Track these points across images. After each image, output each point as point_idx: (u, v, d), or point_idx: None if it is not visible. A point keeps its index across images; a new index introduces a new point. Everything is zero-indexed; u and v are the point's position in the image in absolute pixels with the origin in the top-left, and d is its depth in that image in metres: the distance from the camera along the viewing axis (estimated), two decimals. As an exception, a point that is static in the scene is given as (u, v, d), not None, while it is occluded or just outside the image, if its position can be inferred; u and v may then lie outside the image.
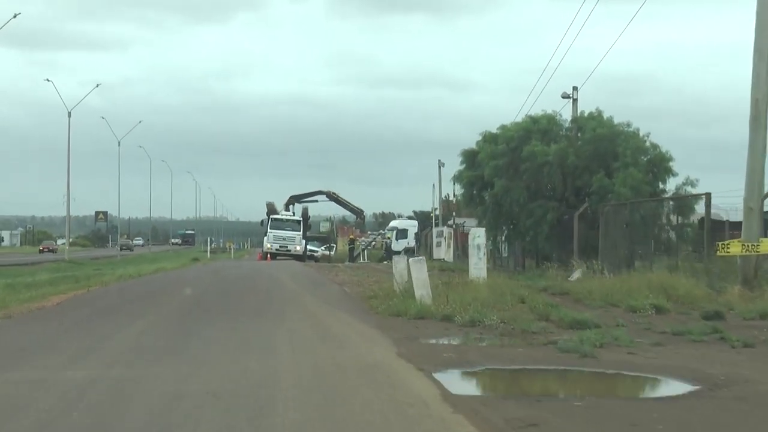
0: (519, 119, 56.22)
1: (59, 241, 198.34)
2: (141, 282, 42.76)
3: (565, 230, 51.56)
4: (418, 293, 25.26)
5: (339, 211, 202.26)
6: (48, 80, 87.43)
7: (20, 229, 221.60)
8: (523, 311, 24.55)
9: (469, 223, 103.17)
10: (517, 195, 51.98)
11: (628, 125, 52.41)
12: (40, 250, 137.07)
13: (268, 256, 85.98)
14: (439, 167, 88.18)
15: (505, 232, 55.04)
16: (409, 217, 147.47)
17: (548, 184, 52.20)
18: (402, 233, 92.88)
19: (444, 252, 79.37)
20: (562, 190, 52.18)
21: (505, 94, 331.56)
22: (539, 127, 53.13)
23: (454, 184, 57.36)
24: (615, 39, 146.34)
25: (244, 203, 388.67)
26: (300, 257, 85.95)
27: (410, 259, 26.18)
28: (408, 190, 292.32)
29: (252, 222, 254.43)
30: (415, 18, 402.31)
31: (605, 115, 53.36)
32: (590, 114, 53.46)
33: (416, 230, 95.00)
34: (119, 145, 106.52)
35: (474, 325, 21.84)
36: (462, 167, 56.02)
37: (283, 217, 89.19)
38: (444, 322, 22.74)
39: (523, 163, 51.89)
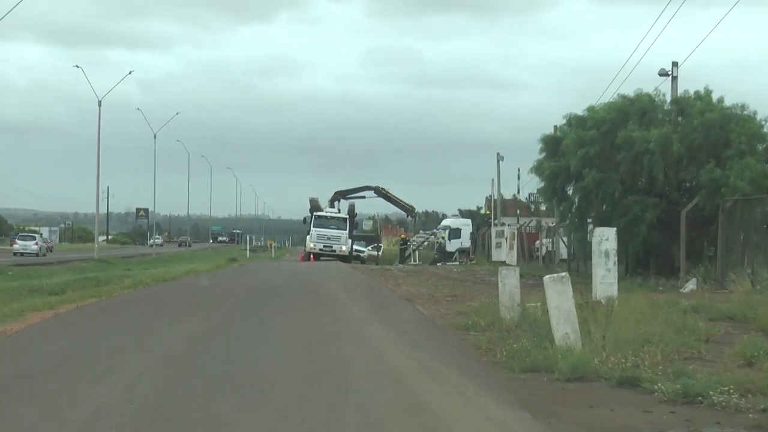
0: (601, 101, 46.32)
1: (100, 238, 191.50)
2: (154, 293, 33.04)
3: (666, 231, 41.91)
4: (560, 331, 15.41)
5: (383, 209, 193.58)
6: (77, 66, 78.90)
7: (61, 225, 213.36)
8: (734, 361, 14.67)
9: (508, 221, 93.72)
10: (611, 189, 42.07)
11: (743, 108, 42.30)
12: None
13: (311, 256, 76.58)
14: (498, 161, 78.26)
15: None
16: (456, 216, 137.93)
17: (646, 176, 42.14)
18: (455, 233, 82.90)
19: (505, 254, 69.48)
20: (663, 184, 42.21)
21: (550, 94, 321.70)
22: (637, 109, 43.10)
23: (533, 175, 46.84)
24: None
25: (285, 201, 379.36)
26: (345, 258, 76.59)
27: (548, 278, 16.17)
28: (452, 189, 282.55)
29: (293, 220, 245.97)
30: (457, 17, 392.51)
31: (714, 96, 43.23)
32: (696, 94, 43.35)
33: (470, 229, 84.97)
34: (155, 137, 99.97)
35: (688, 399, 11.90)
36: (541, 156, 46.04)
37: (328, 214, 79.71)
38: (626, 389, 12.90)
39: (618, 152, 41.93)
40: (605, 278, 22.75)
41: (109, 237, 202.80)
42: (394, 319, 22.20)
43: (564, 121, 45.51)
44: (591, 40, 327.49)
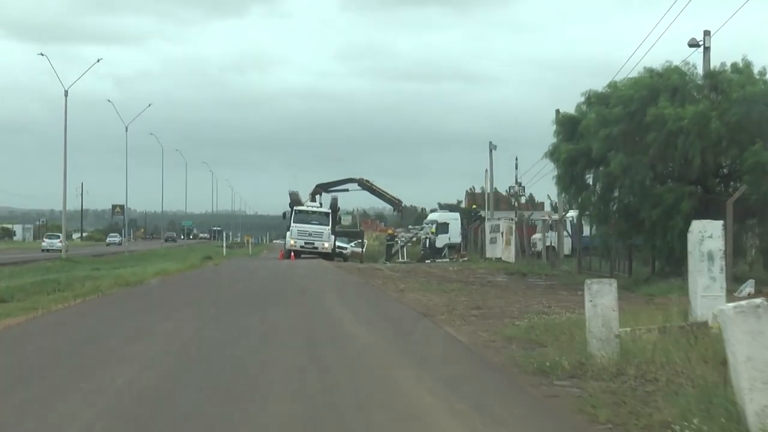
0: (619, 77, 39.76)
1: (74, 236, 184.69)
2: (103, 305, 26.11)
3: None
4: (755, 403, 8.58)
5: (364, 203, 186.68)
6: (42, 54, 72.01)
7: (36, 222, 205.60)
8: None
9: (503, 215, 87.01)
10: (641, 175, 35.57)
11: (790, 81, 36.00)
12: None
13: (292, 254, 69.74)
14: (491, 150, 71.47)
15: (620, 225, 38.15)
16: (440, 210, 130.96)
17: (680, 160, 35.66)
18: (442, 227, 76.09)
19: (501, 250, 62.88)
20: (699, 169, 35.80)
21: (524, 88, 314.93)
22: (669, 84, 36.51)
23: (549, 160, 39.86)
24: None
25: (262, 197, 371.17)
26: (328, 255, 69.90)
27: (731, 309, 9.23)
28: (429, 184, 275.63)
29: (270, 215, 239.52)
30: (431, 10, 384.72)
31: (755, 68, 36.79)
32: (734, 66, 36.87)
33: (459, 224, 78.14)
34: (126, 130, 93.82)
35: None
36: (557, 139, 39.39)
37: (309, 208, 72.92)
38: None
39: (647, 132, 35.41)
40: (709, 290, 16.30)
41: (84, 234, 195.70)
42: (427, 354, 15.39)
43: (582, 100, 38.88)
44: (564, 32, 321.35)
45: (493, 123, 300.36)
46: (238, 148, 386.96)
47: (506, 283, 40.33)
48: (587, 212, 39.15)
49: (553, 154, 38.94)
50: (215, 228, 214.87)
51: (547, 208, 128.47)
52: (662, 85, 36.52)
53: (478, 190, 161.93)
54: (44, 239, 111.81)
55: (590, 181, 38.67)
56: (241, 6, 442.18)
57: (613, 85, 38.41)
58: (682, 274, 37.51)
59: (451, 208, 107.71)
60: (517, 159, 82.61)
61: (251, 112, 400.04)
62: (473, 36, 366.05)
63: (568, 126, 39.02)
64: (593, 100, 38.32)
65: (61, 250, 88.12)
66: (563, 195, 39.73)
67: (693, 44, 38.71)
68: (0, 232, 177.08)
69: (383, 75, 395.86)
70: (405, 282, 37.30)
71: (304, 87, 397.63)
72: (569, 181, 38.51)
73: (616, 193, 37.22)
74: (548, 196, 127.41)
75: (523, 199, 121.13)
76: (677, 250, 36.34)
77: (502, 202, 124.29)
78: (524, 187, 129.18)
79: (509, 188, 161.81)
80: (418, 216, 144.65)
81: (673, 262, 37.75)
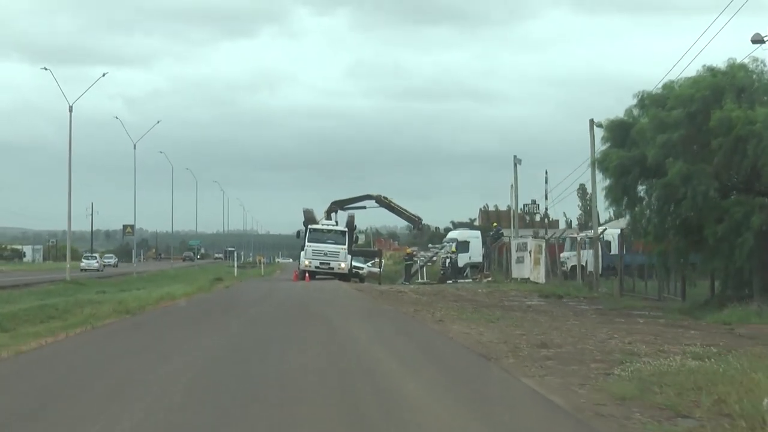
0: (671, 77, 35.01)
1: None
2: (92, 341, 21.30)
3: None
4: None
5: (379, 221, 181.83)
6: (45, 68, 67.56)
7: (47, 243, 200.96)
8: None
9: (522, 233, 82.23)
10: (704, 186, 30.77)
11: None
12: None
13: (306, 275, 64.88)
14: (515, 164, 66.64)
15: (678, 242, 33.22)
16: (452, 227, 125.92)
17: (749, 168, 30.85)
18: (463, 246, 71.03)
19: (529, 270, 57.97)
20: (772, 179, 31.22)
21: (532, 105, 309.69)
22: (734, 83, 31.76)
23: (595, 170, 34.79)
24: None
25: (273, 216, 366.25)
26: (344, 276, 65.10)
27: None
28: (440, 202, 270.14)
29: (282, 235, 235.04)
30: (440, 30, 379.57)
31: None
32: (807, 63, 32.23)
33: (480, 242, 73.18)
34: (135, 147, 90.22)
35: None
36: (606, 146, 34.60)
37: (324, 227, 68.07)
38: None
39: (711, 138, 30.66)
40: None
41: (95, 255, 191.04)
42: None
43: (635, 102, 34.09)
44: (572, 50, 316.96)
45: (504, 141, 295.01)
46: (250, 168, 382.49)
47: (547, 308, 35.56)
48: (640, 228, 34.23)
49: (602, 162, 34.12)
50: (228, 249, 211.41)
51: (562, 225, 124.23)
52: (727, 84, 31.82)
53: (491, 208, 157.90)
54: (82, 260, 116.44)
55: (643, 193, 33.86)
56: (252, 26, 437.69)
57: (669, 86, 33.68)
58: (747, 297, 32.79)
59: (465, 226, 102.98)
60: (547, 173, 77.93)
61: (262, 131, 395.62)
62: (482, 54, 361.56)
63: (618, 132, 34.29)
64: (647, 102, 33.58)
65: (97, 269, 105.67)
66: (612, 208, 34.76)
67: (757, 40, 34.05)
68: (9, 253, 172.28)
69: (393, 94, 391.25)
70: (437, 308, 32.53)
71: (315, 106, 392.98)
72: (620, 193, 33.70)
73: (672, 207, 32.36)
74: (564, 213, 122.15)
75: (537, 217, 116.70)
76: (746, 270, 31.63)
77: (518, 219, 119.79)
78: (539, 205, 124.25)
79: (524, 206, 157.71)
80: (431, 235, 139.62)
81: (738, 284, 33.01)
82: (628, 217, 34.96)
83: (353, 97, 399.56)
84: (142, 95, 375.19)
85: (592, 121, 50.80)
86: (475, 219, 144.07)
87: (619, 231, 52.85)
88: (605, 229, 52.17)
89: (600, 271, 52.21)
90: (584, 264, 58.56)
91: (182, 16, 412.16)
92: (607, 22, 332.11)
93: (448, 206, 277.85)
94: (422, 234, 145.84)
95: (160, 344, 19.97)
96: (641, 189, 34.05)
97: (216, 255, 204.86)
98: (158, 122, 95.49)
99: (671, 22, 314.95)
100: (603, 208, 34.88)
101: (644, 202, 33.82)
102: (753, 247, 30.49)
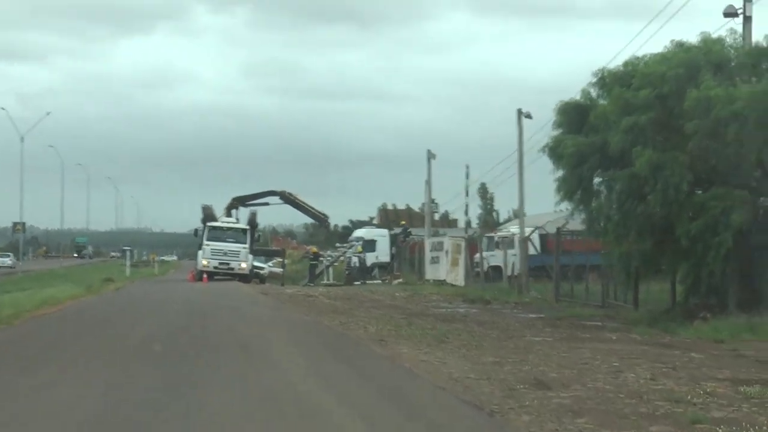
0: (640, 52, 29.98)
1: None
2: None
3: (762, 242, 26.37)
4: None
5: (273, 219, 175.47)
6: None
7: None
8: None
9: (418, 232, 77.15)
10: (676, 177, 25.76)
11: None
12: None
13: (204, 275, 58.68)
14: (429, 158, 61.16)
15: (642, 243, 27.96)
16: (351, 226, 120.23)
17: (731, 157, 25.92)
18: (369, 245, 65.34)
19: (446, 271, 52.66)
20: (758, 169, 26.46)
21: (432, 107, 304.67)
22: (710, 59, 26.80)
23: (549, 157, 29.20)
24: None
25: (170, 214, 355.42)
26: (245, 277, 59.14)
27: None
28: (338, 201, 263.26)
29: (177, 233, 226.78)
30: (340, 29, 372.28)
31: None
32: (788, 38, 27.39)
33: (388, 241, 67.59)
34: (22, 140, 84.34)
35: None
36: (558, 132, 29.35)
37: (224, 224, 61.91)
38: None
39: (687, 121, 25.69)
40: None
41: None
42: None
43: (594, 81, 28.87)
44: (470, 52, 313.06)
45: (402, 141, 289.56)
46: (147, 165, 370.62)
47: (487, 317, 30.35)
48: (597, 226, 29.00)
49: (554, 149, 28.79)
50: (125, 248, 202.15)
51: (461, 225, 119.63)
52: (702, 60, 26.79)
53: (390, 207, 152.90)
54: None
55: (601, 186, 28.68)
56: (149, 23, 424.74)
57: (632, 64, 28.54)
58: (716, 307, 27.92)
59: (364, 225, 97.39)
60: (468, 167, 72.94)
61: (160, 129, 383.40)
62: (382, 55, 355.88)
63: (573, 115, 29.12)
64: (608, 80, 28.40)
65: (12, 267, 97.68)
66: (565, 203, 29.37)
67: (730, 13, 29.10)
68: None
69: (292, 93, 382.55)
70: (362, 318, 26.99)
71: (214, 104, 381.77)
72: (576, 185, 28.43)
73: (637, 202, 27.22)
74: (465, 212, 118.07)
75: (437, 216, 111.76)
76: (717, 275, 26.65)
77: (415, 218, 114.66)
78: (438, 204, 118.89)
79: (422, 204, 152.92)
80: (329, 234, 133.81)
81: (707, 292, 28.03)
82: (582, 213, 29.67)
83: (252, 95, 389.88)
84: (36, 91, 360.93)
85: (519, 111, 45.84)
86: (374, 218, 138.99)
87: (536, 230, 48.22)
88: (535, 229, 47.08)
89: (511, 273, 47.33)
90: (502, 266, 53.64)
91: (78, 13, 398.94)
92: (504, 24, 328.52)
93: (347, 205, 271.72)
94: (319, 233, 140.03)
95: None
96: (597, 181, 28.90)
97: (112, 253, 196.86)
98: (48, 114, 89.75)
99: (568, 26, 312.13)
100: (555, 202, 29.32)
101: (602, 196, 28.65)
102: (731, 249, 25.54)
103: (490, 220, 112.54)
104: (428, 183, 60.81)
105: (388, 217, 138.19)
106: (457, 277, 50.34)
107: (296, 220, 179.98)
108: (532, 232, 46.15)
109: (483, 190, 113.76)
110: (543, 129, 33.32)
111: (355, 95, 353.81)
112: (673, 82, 26.30)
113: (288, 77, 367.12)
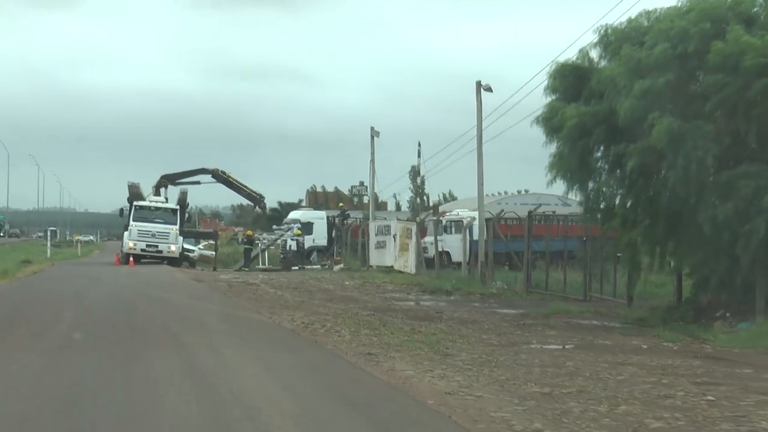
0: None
1: None
2: None
3: None
4: None
5: (199, 199, 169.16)
6: None
7: None
8: None
9: (355, 214, 72.27)
10: (700, 151, 21.17)
11: None
12: None
13: (131, 258, 53.24)
14: (372, 136, 56.14)
15: (655, 229, 23.30)
16: (279, 208, 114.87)
17: (766, 124, 21.47)
18: (306, 228, 60.20)
19: (393, 257, 47.75)
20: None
21: (360, 90, 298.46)
22: (740, 11, 22.24)
23: (544, 132, 24.20)
24: None
25: (95, 194, 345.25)
26: (175, 261, 54.03)
27: None
28: (265, 183, 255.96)
29: (102, 213, 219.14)
30: (266, 11, 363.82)
31: None
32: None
33: (325, 224, 62.55)
34: None
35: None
36: (553, 98, 24.55)
37: (152, 204, 56.40)
38: None
39: (710, 80, 21.16)
40: None
41: None
42: None
43: (595, 39, 24.12)
44: (397, 36, 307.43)
45: (329, 125, 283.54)
46: (71, 145, 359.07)
47: (464, 313, 25.73)
48: (598, 209, 24.31)
49: (549, 120, 23.93)
50: (51, 228, 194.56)
51: (391, 208, 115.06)
52: (731, 14, 22.15)
53: (319, 189, 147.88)
54: None
55: (605, 163, 23.95)
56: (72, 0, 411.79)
57: (641, 20, 23.80)
58: (735, 305, 23.51)
59: (293, 208, 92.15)
60: (420, 145, 68.09)
61: (85, 108, 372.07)
62: (309, 36, 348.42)
63: (572, 80, 24.29)
64: (612, 39, 23.64)
65: None
66: (564, 182, 24.42)
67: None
68: None
69: (220, 74, 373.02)
70: (326, 317, 22.14)
71: (140, 84, 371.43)
72: (576, 162, 23.63)
73: (653, 181, 22.65)
74: (395, 195, 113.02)
75: (365, 199, 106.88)
76: (744, 268, 22.09)
77: (345, 201, 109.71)
78: (366, 186, 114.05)
79: (351, 188, 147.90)
80: (258, 216, 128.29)
81: (726, 287, 23.50)
82: (578, 194, 24.86)
83: (180, 76, 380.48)
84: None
85: (479, 84, 41.04)
86: (302, 200, 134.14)
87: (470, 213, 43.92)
88: (500, 213, 42.36)
89: (468, 260, 42.66)
90: (446, 250, 49.12)
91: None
92: (432, 10, 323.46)
93: (274, 187, 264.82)
94: (247, 215, 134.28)
95: None
96: (597, 156, 24.18)
97: (38, 234, 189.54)
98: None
99: (492, 11, 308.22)
100: (548, 181, 24.39)
101: (603, 175, 23.93)
102: (763, 239, 20.99)
103: (419, 205, 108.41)
104: (372, 162, 55.79)
105: (317, 200, 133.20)
106: (407, 264, 45.49)
107: (222, 201, 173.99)
108: (502, 213, 41.40)
109: (414, 173, 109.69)
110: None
111: (281, 76, 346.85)
112: (697, 38, 21.63)
113: (214, 58, 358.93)
